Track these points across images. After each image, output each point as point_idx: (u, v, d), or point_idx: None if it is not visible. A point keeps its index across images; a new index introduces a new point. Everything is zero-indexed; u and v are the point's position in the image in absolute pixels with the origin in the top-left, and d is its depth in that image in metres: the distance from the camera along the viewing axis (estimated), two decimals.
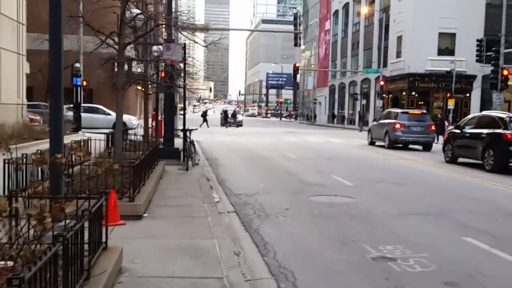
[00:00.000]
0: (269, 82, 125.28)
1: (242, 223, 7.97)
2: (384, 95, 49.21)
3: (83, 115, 28.18)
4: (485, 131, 16.14)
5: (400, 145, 24.03)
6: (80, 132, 23.21)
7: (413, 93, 46.17)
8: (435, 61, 44.77)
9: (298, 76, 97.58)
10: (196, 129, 15.83)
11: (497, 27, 42.58)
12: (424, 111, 25.35)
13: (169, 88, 14.35)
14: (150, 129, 20.30)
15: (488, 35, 41.66)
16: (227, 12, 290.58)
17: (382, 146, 24.68)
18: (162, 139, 16.40)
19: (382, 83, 48.03)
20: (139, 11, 13.45)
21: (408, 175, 15.11)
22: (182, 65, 15.44)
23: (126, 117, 30.22)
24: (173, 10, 17.58)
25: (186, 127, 15.36)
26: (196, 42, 17.69)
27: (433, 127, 23.69)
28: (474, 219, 8.70)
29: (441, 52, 45.32)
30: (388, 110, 27.00)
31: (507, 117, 15.75)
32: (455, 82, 41.68)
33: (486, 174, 15.33)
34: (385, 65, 49.36)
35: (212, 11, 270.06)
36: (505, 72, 27.92)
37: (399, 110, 24.51)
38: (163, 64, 13.93)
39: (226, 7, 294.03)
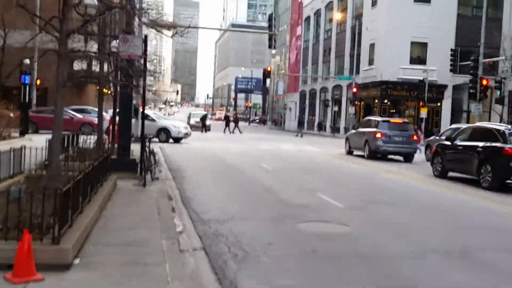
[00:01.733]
0: (238, 86, 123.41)
1: (213, 268, 5.93)
2: (356, 102, 47.98)
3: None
4: (481, 144, 14.47)
5: (379, 155, 22.38)
6: (26, 136, 20.70)
7: (386, 101, 45.03)
8: (408, 69, 43.82)
9: (268, 80, 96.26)
10: (152, 137, 13.70)
11: (468, 37, 42.01)
12: (406, 120, 23.86)
13: (125, 87, 12.15)
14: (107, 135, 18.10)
15: (459, 45, 41.04)
16: (196, 16, 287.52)
17: (361, 156, 23.01)
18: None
19: (355, 90, 46.71)
20: None
21: (401, 193, 13.35)
22: (142, 61, 13.31)
23: (169, 123, 28.44)
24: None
25: (145, 134, 13.19)
26: (161, 32, 15.67)
27: (415, 137, 22.09)
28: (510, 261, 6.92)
29: (413, 60, 44.48)
30: (368, 118, 25.37)
31: (506, 129, 14.18)
32: (423, 91, 40.75)
33: (485, 192, 13.64)
34: (357, 72, 48.09)
35: (181, 14, 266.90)
36: (484, 82, 26.60)
37: (379, 118, 22.88)
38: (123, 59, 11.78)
39: (196, 11, 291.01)
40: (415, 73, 42.66)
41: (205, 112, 62.96)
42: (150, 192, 11.07)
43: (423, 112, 39.91)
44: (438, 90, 43.53)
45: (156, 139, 26.52)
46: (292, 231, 8.16)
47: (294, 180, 14.58)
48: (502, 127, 14.78)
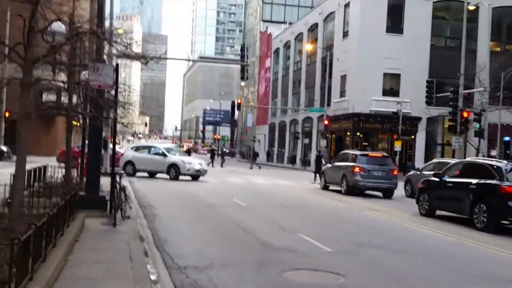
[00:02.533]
0: (206, 118, 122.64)
1: None
2: (328, 135, 47.59)
3: (138, 155, 25.94)
4: (474, 181, 13.56)
5: (357, 191, 21.56)
6: None
7: (358, 133, 44.68)
8: (380, 101, 43.54)
9: (236, 113, 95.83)
10: (124, 171, 12.68)
11: (442, 69, 42.22)
12: (385, 154, 23.27)
13: (94, 119, 11.14)
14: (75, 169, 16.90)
15: (433, 76, 40.93)
16: (164, 48, 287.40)
17: (338, 191, 22.20)
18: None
19: (326, 122, 46.34)
20: (56, 19, 10.31)
21: (391, 234, 12.46)
22: (113, 91, 12.33)
23: (178, 159, 25.37)
24: (107, 24, 14.57)
25: (116, 170, 12.16)
26: (133, 59, 14.76)
27: (395, 172, 21.40)
28: None
29: (385, 92, 44.23)
30: (345, 151, 24.69)
31: (502, 165, 13.38)
32: (397, 124, 40.54)
33: (479, 234, 12.69)
34: (328, 104, 47.83)
35: (149, 47, 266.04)
36: (465, 114, 26.26)
37: (357, 152, 22.21)
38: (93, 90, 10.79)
39: (164, 43, 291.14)
40: (388, 105, 42.42)
41: (173, 145, 61.51)
42: (120, 233, 10.01)
43: (397, 146, 39.47)
44: (411, 122, 43.37)
45: (166, 176, 25.32)
46: (279, 283, 7.18)
47: (272, 219, 13.61)
48: (498, 163, 13.88)
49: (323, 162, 28.92)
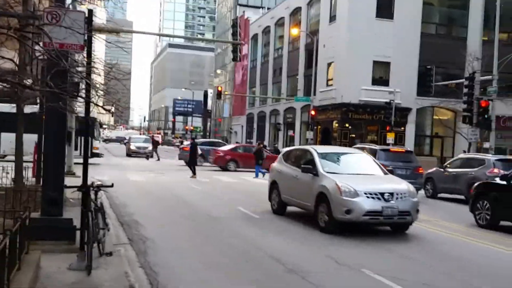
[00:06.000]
0: (177, 108, 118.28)
1: None
2: (314, 127, 44.38)
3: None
4: None
5: None
6: None
7: (346, 124, 41.56)
8: (370, 91, 40.57)
9: (209, 102, 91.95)
10: (112, 185, 8.57)
11: (432, 57, 39.51)
12: (409, 149, 20.10)
13: (55, 97, 7.27)
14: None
15: (423, 65, 38.40)
16: (128, 35, 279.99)
17: None
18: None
19: (313, 112, 43.07)
20: None
21: (455, 255, 9.19)
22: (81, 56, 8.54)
23: None
24: None
25: (92, 181, 8.20)
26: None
27: (421, 170, 18.13)
28: None
29: (375, 81, 41.25)
30: (358, 146, 21.32)
31: None
32: (390, 115, 37.79)
33: None
34: (313, 93, 44.54)
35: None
36: (483, 104, 23.25)
37: (377, 147, 18.84)
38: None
39: (130, 27, 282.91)
40: (377, 95, 39.66)
41: (147, 136, 56.99)
42: (100, 286, 6.31)
43: (390, 138, 36.72)
44: (402, 113, 40.51)
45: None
46: None
47: (299, 235, 10.18)
48: None
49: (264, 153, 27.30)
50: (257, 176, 23.99)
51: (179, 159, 33.75)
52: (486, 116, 22.75)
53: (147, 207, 13.92)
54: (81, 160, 29.70)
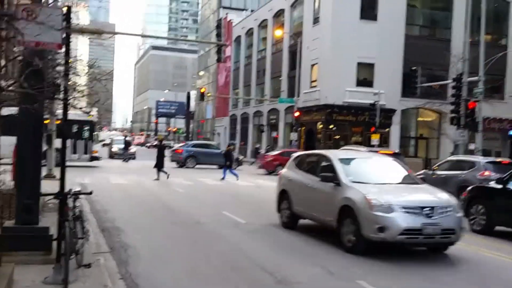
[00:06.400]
0: (159, 110, 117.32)
1: None
2: (298, 128, 44.15)
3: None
4: None
5: None
6: None
7: (331, 126, 41.45)
8: (354, 92, 40.52)
9: (192, 104, 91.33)
10: (91, 192, 8.09)
11: (416, 59, 39.51)
12: (397, 151, 19.89)
13: (30, 99, 6.81)
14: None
15: (407, 67, 38.37)
16: (112, 39, 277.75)
17: None
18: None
19: (297, 114, 42.84)
20: None
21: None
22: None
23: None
24: None
25: (70, 188, 7.67)
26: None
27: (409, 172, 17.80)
28: None
29: (359, 83, 41.21)
30: (347, 147, 21.04)
31: None
32: (375, 116, 37.73)
33: None
34: (297, 94, 44.36)
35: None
36: (471, 105, 23.16)
37: (363, 149, 18.52)
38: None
39: (112, 29, 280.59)
40: (362, 96, 39.63)
41: (129, 138, 56.27)
42: None
43: (375, 139, 36.58)
44: (386, 115, 40.46)
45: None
46: None
47: (294, 244, 9.85)
48: None
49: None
50: (224, 178, 23.51)
51: (172, 161, 33.60)
52: (473, 117, 22.63)
53: (129, 212, 13.49)
54: (79, 163, 29.15)
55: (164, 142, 25.82)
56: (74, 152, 28.51)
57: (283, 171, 12.76)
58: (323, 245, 10.01)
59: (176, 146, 38.01)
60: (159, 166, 22.12)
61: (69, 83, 9.99)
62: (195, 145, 35.65)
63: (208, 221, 12.19)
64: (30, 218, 7.45)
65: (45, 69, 6.00)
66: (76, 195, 7.15)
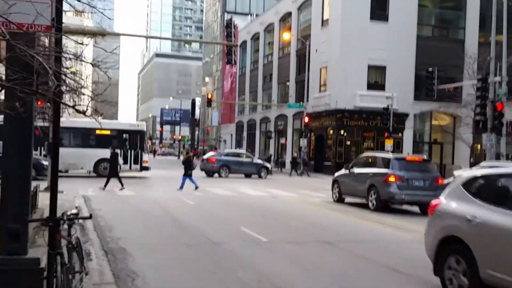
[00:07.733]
0: (164, 118, 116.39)
1: None
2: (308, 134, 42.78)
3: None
4: None
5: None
6: None
7: (342, 131, 40.00)
8: (365, 96, 39.10)
9: (197, 111, 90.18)
10: (90, 216, 6.61)
11: (428, 61, 38.03)
12: (426, 157, 18.47)
13: (11, 96, 5.36)
14: None
15: (420, 69, 36.95)
16: (115, 44, 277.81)
17: (359, 205, 17.26)
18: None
19: (307, 119, 41.46)
20: None
21: None
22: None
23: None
24: None
25: (64, 211, 5.99)
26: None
27: (440, 180, 16.38)
28: None
29: (370, 86, 39.76)
30: (368, 154, 19.67)
31: None
32: (388, 120, 36.38)
33: None
34: (306, 99, 42.98)
35: (100, 44, 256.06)
36: (499, 107, 21.58)
37: (390, 155, 17.11)
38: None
39: (116, 39, 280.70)
40: (373, 100, 38.32)
41: None
42: None
43: (389, 144, 35.23)
44: (398, 119, 39.06)
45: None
46: None
47: (328, 274, 8.43)
48: None
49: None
50: (181, 188, 21.53)
51: (201, 169, 32.32)
52: (501, 120, 21.14)
53: (136, 229, 12.10)
54: (130, 174, 28.10)
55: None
56: (125, 162, 27.90)
57: (448, 206, 7.19)
58: None
59: (208, 155, 36.76)
60: (114, 175, 20.63)
61: (72, 76, 8.65)
62: (227, 154, 34.62)
63: (226, 241, 10.77)
64: (16, 247, 6.05)
65: (22, 55, 4.64)
66: (72, 220, 5.73)
